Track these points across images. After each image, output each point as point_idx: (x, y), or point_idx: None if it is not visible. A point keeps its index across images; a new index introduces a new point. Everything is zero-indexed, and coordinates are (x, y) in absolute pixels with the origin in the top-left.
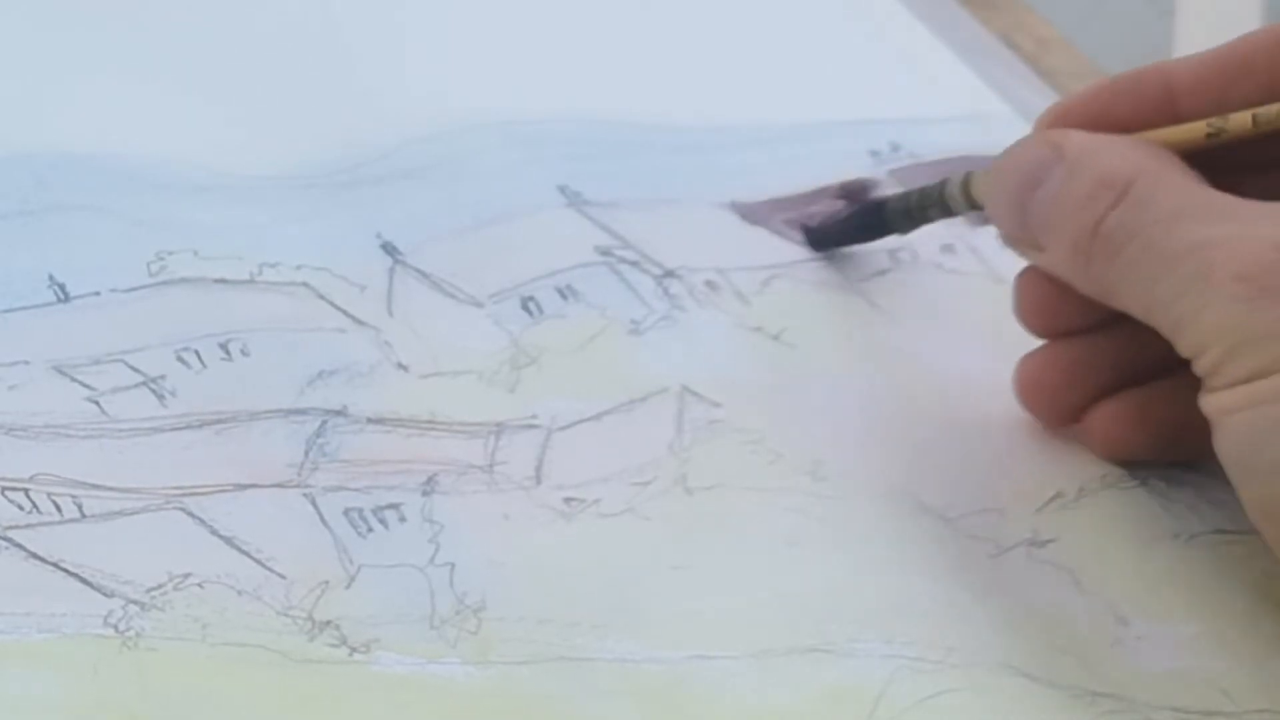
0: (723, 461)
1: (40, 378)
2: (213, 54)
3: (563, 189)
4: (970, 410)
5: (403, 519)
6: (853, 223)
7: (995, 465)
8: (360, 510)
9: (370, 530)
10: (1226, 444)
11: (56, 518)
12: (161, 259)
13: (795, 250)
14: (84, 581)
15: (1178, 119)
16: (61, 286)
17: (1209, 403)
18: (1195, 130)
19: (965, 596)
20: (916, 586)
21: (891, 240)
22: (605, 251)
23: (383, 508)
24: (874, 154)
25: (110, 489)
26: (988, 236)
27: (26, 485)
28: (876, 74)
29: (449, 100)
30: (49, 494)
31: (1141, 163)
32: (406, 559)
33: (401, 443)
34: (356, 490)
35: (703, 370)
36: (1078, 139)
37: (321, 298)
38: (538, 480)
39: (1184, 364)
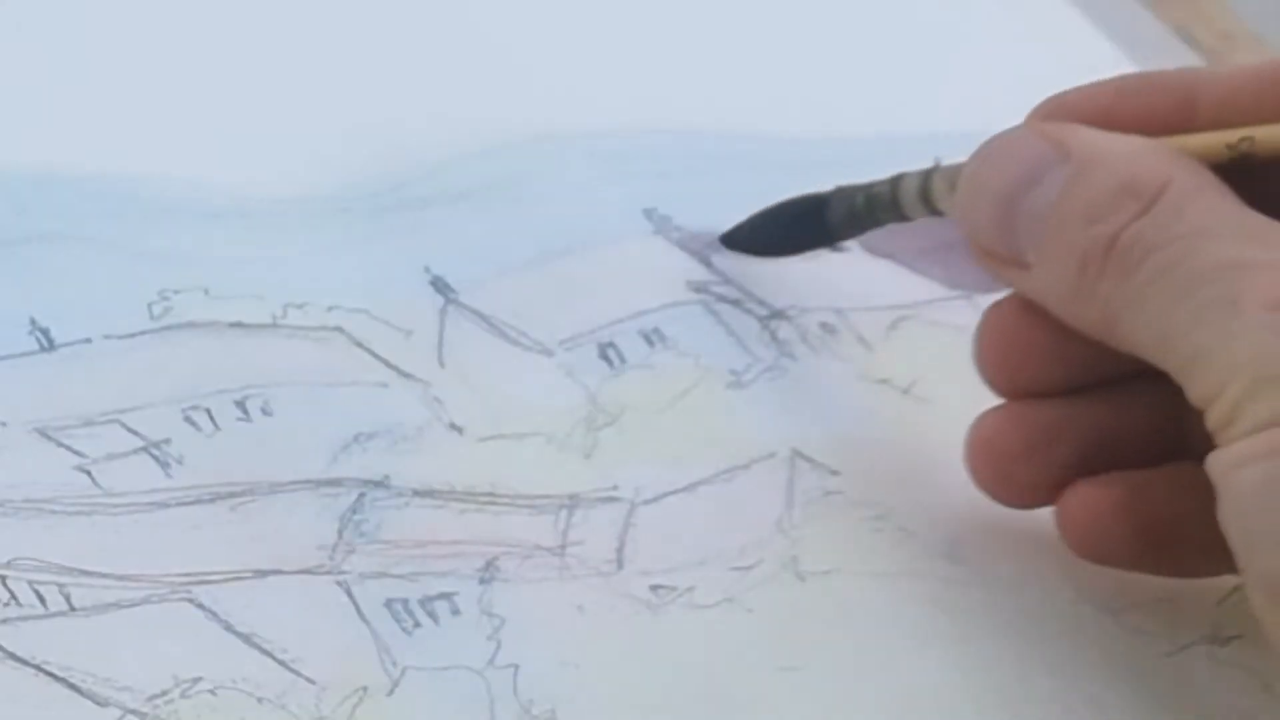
0: (841, 541)
1: (20, 442)
2: (225, 53)
3: (649, 213)
4: None
5: (456, 611)
6: (781, 223)
7: None
8: (405, 601)
9: (417, 625)
10: (1235, 506)
11: (40, 610)
12: (165, 298)
13: (929, 287)
14: (73, 688)
15: (1194, 132)
16: (45, 332)
17: (1218, 460)
18: (1216, 141)
19: (1134, 704)
20: (1074, 692)
21: None
22: (700, 288)
23: (432, 598)
24: None
25: (104, 576)
26: None
27: (4, 571)
28: (1026, 75)
29: (510, 108)
30: (30, 582)
31: (1172, 171)
32: (461, 660)
33: (455, 520)
34: (400, 577)
35: (817, 431)
36: (1088, 136)
37: (358, 345)
38: (619, 565)
39: (1173, 450)
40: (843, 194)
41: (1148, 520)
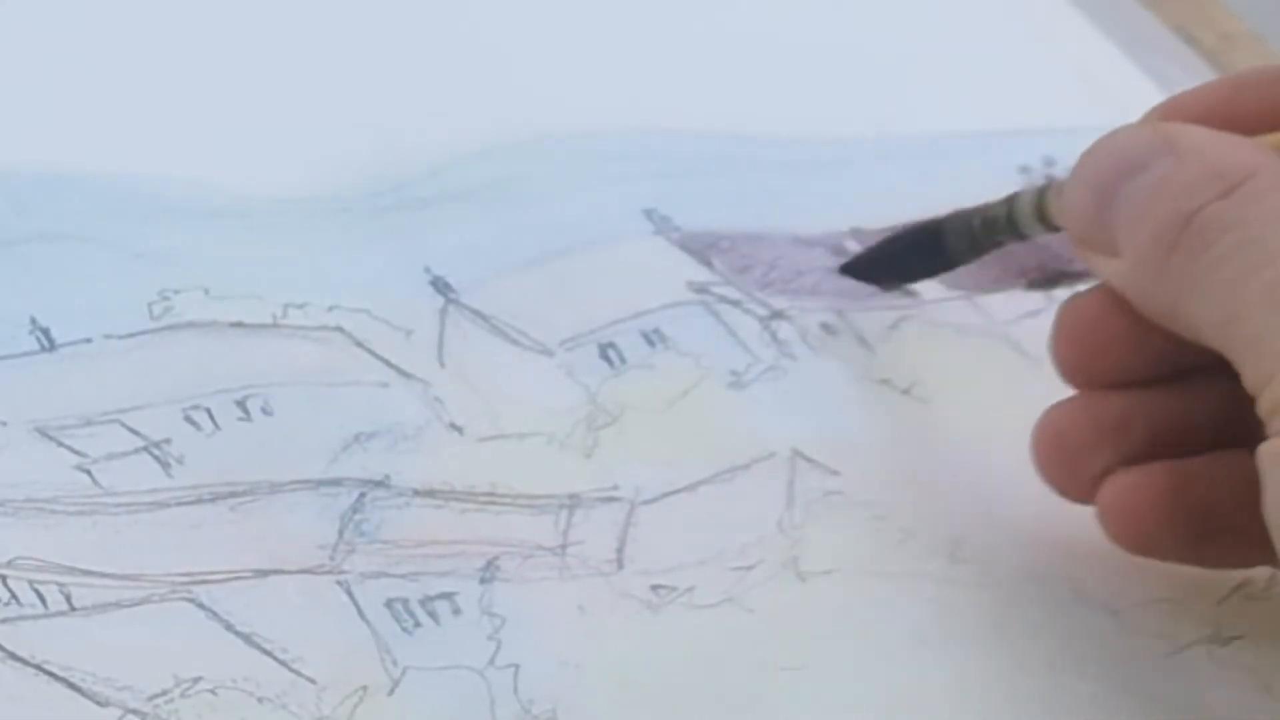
0: (842, 541)
1: (21, 441)
2: (225, 53)
3: (649, 213)
4: None
5: (457, 611)
6: (899, 252)
7: None
8: (405, 601)
9: (418, 625)
10: (1278, 497)
11: (40, 610)
12: (166, 298)
13: (930, 287)
14: (73, 687)
15: None
16: (45, 332)
17: (1265, 451)
18: None
19: (1134, 704)
20: (1076, 692)
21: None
22: (700, 288)
23: (433, 598)
24: (1024, 170)
25: (105, 575)
26: None
27: (4, 571)
28: (1029, 75)
29: (510, 108)
30: (31, 581)
31: (1263, 162)
32: (461, 660)
33: (455, 519)
34: (401, 577)
35: (817, 431)
36: (1194, 131)
37: (359, 345)
38: (619, 564)
39: (1237, 441)
40: (957, 219)
41: (1190, 508)
